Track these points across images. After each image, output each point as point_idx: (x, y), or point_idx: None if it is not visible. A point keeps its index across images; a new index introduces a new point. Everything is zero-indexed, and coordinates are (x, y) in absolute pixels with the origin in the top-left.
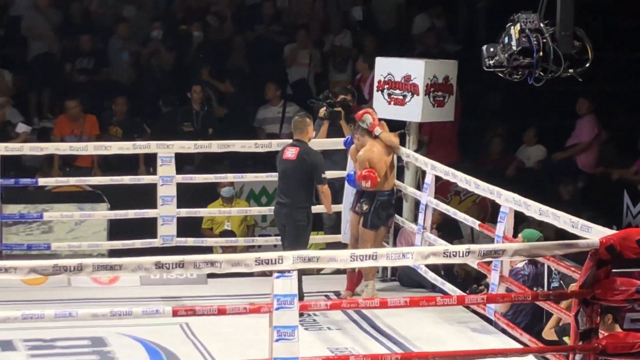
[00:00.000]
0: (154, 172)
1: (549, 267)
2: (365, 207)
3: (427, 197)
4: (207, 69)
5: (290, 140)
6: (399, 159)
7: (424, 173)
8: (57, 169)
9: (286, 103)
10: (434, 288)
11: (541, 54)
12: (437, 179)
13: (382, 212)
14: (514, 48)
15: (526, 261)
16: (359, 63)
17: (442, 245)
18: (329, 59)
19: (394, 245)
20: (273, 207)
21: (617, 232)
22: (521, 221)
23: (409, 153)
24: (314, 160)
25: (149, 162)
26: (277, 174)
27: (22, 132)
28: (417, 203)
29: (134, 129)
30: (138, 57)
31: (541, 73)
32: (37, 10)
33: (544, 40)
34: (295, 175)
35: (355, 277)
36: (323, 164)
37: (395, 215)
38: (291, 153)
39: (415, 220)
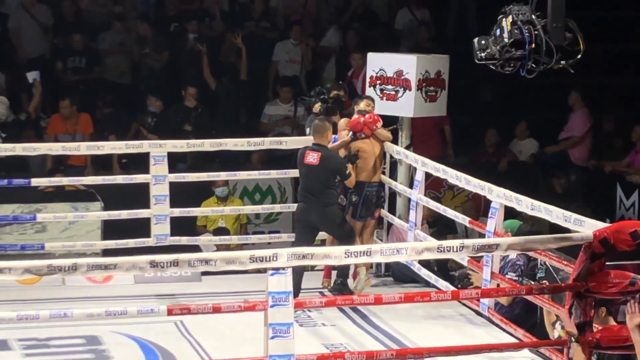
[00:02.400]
0: (128, 172)
1: (535, 258)
2: (354, 198)
3: (417, 194)
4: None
5: (300, 138)
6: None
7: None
8: (50, 169)
9: (297, 102)
10: (427, 283)
11: (533, 45)
12: (429, 174)
13: (370, 204)
14: (506, 40)
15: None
16: (352, 59)
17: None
18: (320, 56)
19: (387, 242)
20: (273, 205)
21: (611, 225)
22: (513, 216)
23: (399, 150)
24: (335, 163)
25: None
26: (270, 171)
27: (34, 79)
28: (410, 200)
29: (127, 129)
30: (130, 56)
31: (533, 65)
32: (25, 9)
33: (536, 32)
34: (319, 178)
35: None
36: (344, 162)
37: (388, 213)
38: (313, 158)
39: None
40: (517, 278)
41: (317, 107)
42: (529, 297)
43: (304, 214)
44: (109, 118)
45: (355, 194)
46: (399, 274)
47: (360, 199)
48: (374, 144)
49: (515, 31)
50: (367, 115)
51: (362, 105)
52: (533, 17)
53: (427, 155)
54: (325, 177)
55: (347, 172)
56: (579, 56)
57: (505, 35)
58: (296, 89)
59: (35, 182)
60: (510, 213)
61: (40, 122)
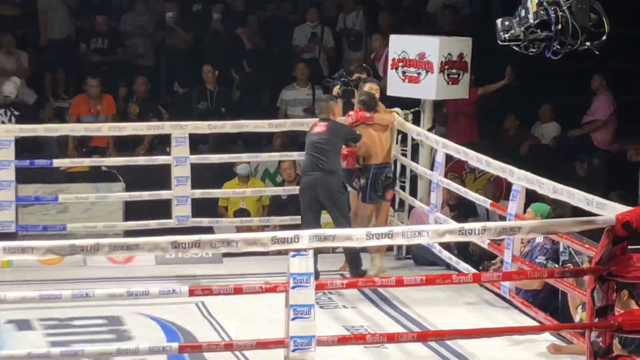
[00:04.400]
0: (162, 152)
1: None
2: (362, 181)
3: (438, 176)
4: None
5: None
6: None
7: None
8: (72, 149)
9: (314, 85)
10: (448, 266)
11: (559, 26)
12: (451, 157)
13: (379, 185)
14: (531, 21)
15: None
16: (374, 40)
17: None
18: (342, 38)
19: (408, 224)
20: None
21: (634, 208)
22: (535, 199)
23: (419, 131)
24: (344, 129)
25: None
26: (292, 152)
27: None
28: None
29: (150, 109)
30: (153, 38)
31: (558, 46)
32: None
33: (562, 13)
34: (325, 145)
35: None
36: (351, 128)
37: (409, 195)
38: (320, 127)
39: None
40: (545, 262)
41: (336, 89)
42: (551, 281)
43: (307, 188)
44: (149, 100)
45: (362, 177)
46: (419, 256)
47: (368, 181)
48: (376, 133)
49: (541, 12)
50: (349, 119)
51: (366, 87)
52: None
53: (463, 140)
54: (331, 144)
55: (358, 134)
56: (604, 37)
57: (531, 16)
58: (316, 72)
59: (57, 162)
60: (531, 196)
61: (56, 102)
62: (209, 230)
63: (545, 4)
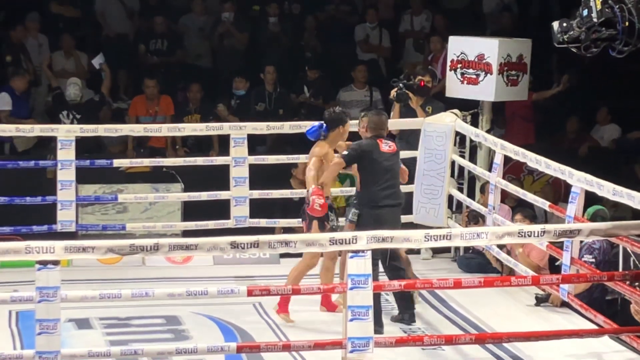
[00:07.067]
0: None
1: (624, 248)
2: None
3: (496, 177)
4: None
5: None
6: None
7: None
8: (131, 150)
9: (372, 87)
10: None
11: (627, 24)
12: (509, 158)
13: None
14: (595, 20)
15: None
16: (433, 42)
17: (510, 225)
18: (405, 39)
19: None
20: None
21: None
22: (595, 202)
23: (478, 133)
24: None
25: (223, 144)
26: None
27: (100, 64)
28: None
29: (209, 112)
30: (211, 38)
31: (621, 46)
32: None
33: (628, 12)
34: (397, 170)
35: None
36: None
37: (466, 197)
38: (388, 147)
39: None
40: (593, 260)
41: (392, 92)
42: (615, 286)
43: (389, 222)
44: (206, 103)
45: (356, 207)
46: (463, 264)
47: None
48: None
49: (607, 10)
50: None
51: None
52: None
53: (520, 142)
54: (398, 168)
55: None
56: None
57: (594, 14)
58: (375, 74)
59: (117, 162)
60: (591, 199)
61: (115, 103)
62: (272, 231)
63: (610, 1)
